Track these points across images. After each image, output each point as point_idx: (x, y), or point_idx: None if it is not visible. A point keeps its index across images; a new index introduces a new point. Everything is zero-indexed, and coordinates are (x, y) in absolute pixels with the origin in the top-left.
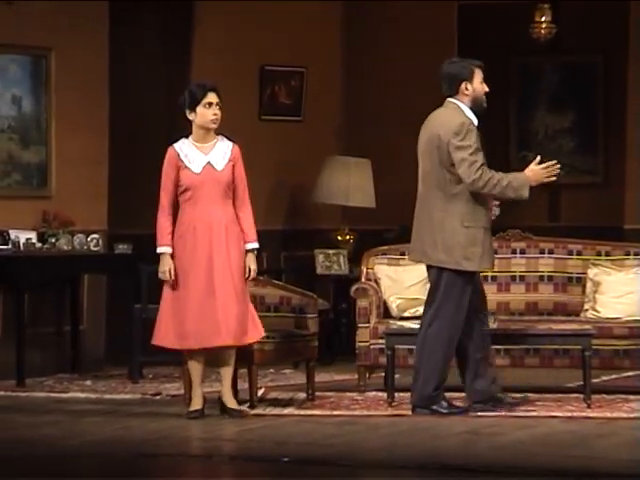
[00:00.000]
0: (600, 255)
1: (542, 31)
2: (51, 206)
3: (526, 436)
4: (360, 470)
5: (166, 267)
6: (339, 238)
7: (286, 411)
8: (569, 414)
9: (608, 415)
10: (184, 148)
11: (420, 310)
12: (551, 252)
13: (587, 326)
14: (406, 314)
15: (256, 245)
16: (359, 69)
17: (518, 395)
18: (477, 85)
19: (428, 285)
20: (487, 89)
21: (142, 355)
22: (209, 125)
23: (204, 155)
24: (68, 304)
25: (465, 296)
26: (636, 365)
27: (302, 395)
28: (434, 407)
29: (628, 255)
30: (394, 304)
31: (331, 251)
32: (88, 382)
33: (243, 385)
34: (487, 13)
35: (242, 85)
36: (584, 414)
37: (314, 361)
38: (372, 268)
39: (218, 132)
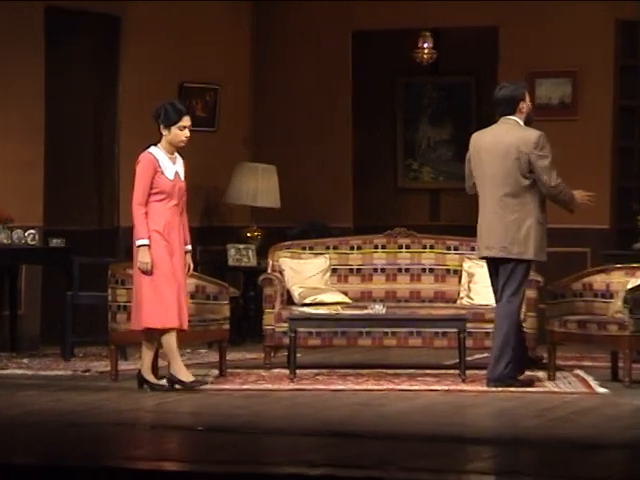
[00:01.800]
0: (474, 250)
1: (424, 56)
2: None
3: (408, 407)
4: (264, 437)
5: (148, 259)
6: (248, 234)
7: (201, 386)
8: (446, 388)
9: (480, 389)
10: (159, 156)
11: (319, 298)
12: (432, 247)
13: (462, 312)
14: (307, 301)
15: (190, 247)
16: (265, 85)
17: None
18: (528, 103)
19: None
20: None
21: (73, 336)
22: (179, 145)
23: (173, 165)
24: (7, 291)
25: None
26: None
27: (215, 372)
28: (508, 381)
29: None
30: (296, 292)
31: (241, 246)
32: (25, 360)
33: (163, 363)
34: (377, 38)
35: (163, 99)
36: (459, 388)
37: (226, 342)
38: (277, 261)
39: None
